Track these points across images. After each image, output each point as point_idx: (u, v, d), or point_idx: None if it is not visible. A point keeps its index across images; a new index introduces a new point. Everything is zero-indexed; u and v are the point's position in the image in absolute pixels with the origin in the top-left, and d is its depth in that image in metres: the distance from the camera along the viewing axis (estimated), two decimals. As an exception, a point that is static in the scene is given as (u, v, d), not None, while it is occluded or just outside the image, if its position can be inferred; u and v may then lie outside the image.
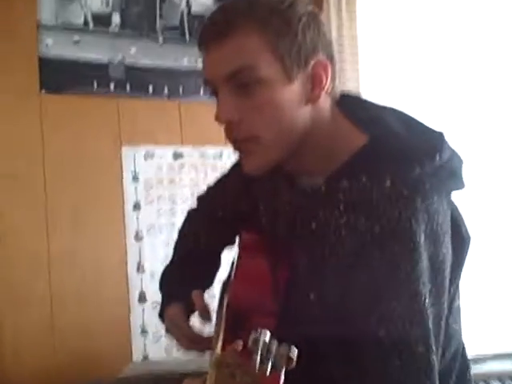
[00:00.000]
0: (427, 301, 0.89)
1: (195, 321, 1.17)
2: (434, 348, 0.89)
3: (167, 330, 1.24)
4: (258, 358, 0.69)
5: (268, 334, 0.72)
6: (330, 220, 0.97)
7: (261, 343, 0.70)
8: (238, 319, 1.04)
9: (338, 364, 0.95)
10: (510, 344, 2.51)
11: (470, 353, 1.11)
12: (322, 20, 1.00)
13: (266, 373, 0.68)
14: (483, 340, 2.47)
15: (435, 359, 0.89)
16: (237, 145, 1.00)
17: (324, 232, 0.98)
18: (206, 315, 1.14)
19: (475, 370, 2.20)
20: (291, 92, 0.95)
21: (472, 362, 1.14)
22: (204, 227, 1.34)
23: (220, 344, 0.83)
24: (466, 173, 1.02)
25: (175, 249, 1.39)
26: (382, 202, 0.93)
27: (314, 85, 0.97)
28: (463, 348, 1.10)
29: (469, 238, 1.02)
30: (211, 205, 1.34)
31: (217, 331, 0.91)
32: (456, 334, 1.04)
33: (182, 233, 1.40)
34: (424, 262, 0.90)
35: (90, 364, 2.27)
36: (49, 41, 2.34)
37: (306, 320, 0.99)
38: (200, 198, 1.40)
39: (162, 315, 1.26)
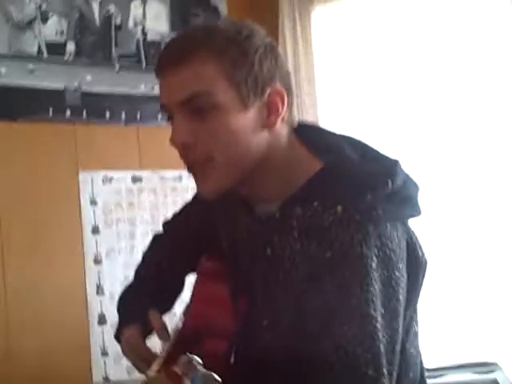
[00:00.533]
0: (379, 324, 0.91)
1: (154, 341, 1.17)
2: (385, 371, 0.90)
3: (123, 352, 1.23)
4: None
5: (199, 359, 0.74)
6: (284, 246, 1.00)
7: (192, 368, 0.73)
8: (190, 340, 1.06)
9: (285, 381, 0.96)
10: (471, 355, 2.53)
11: (431, 364, 1.12)
12: (279, 52, 1.05)
13: None
14: (443, 351, 2.49)
15: (386, 383, 0.90)
16: (192, 169, 1.02)
17: (278, 258, 1.00)
18: (164, 334, 1.14)
19: (436, 381, 2.22)
20: (246, 119, 0.99)
21: (433, 372, 1.13)
22: (168, 252, 1.35)
23: (156, 366, 0.84)
24: (424, 199, 1.05)
25: (136, 272, 1.39)
26: (333, 227, 0.95)
27: (270, 112, 1.01)
28: (422, 375, 1.10)
29: (425, 263, 1.04)
30: (176, 230, 1.36)
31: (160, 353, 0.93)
32: (413, 358, 1.05)
33: (146, 257, 1.40)
34: (376, 287, 0.92)
35: (49, 386, 2.27)
36: (2, 69, 2.39)
37: (260, 344, 1.01)
38: (165, 224, 1.41)
39: (118, 336, 1.25)
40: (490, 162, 2.62)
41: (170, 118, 1.03)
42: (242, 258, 1.08)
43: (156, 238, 1.42)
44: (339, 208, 0.96)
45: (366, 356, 0.89)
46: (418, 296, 1.04)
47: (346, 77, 2.89)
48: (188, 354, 0.80)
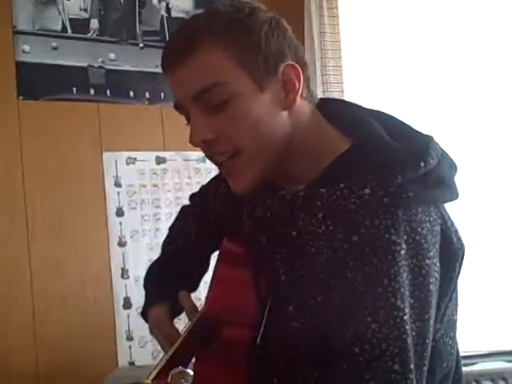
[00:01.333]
0: (407, 317, 0.85)
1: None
2: (412, 367, 0.85)
3: (151, 331, 1.20)
4: None
5: (191, 373, 0.72)
6: (308, 229, 0.94)
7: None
8: (210, 329, 1.02)
9: (312, 378, 0.91)
10: (502, 342, 2.49)
11: (461, 351, 1.08)
12: (286, 25, 0.98)
13: None
14: (475, 338, 2.45)
15: (413, 379, 0.84)
16: (221, 166, 0.98)
17: (303, 241, 0.95)
18: (195, 315, 1.12)
19: (467, 369, 2.18)
20: (264, 101, 0.94)
21: (463, 360, 1.10)
22: (195, 226, 1.31)
23: (153, 375, 0.81)
24: (461, 181, 0.98)
25: (163, 245, 1.35)
26: (360, 211, 0.90)
27: (287, 90, 0.96)
28: (457, 365, 1.05)
29: (461, 250, 0.97)
30: (203, 205, 1.32)
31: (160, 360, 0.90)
32: (448, 348, 0.99)
33: (173, 229, 1.37)
34: (405, 276, 0.86)
35: (74, 371, 2.24)
36: (25, 47, 2.33)
37: (285, 333, 0.95)
38: (193, 196, 1.37)
39: (144, 314, 1.22)
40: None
41: (187, 118, 0.97)
42: (265, 240, 1.02)
43: (183, 211, 1.38)
44: (367, 190, 0.89)
45: (392, 350, 0.84)
46: (455, 285, 0.97)
47: (372, 51, 2.80)
48: (181, 367, 0.79)
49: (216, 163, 0.98)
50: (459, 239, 0.97)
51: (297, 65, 0.96)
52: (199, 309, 1.12)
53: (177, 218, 1.38)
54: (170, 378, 0.74)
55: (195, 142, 0.94)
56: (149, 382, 0.77)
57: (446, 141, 1.03)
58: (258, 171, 0.97)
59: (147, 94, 2.60)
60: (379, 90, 2.73)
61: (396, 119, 1.05)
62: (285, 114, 0.96)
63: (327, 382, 0.88)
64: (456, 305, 1.01)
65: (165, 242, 1.36)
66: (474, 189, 2.51)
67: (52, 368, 2.25)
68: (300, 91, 0.96)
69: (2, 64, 2.28)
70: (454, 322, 1.00)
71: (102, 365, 2.30)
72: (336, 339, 0.87)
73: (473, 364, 2.22)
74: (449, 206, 0.99)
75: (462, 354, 1.07)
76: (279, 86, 0.95)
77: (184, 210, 1.38)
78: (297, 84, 0.96)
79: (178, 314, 1.18)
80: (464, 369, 1.13)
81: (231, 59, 0.92)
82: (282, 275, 0.97)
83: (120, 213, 2.52)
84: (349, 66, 2.84)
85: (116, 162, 2.52)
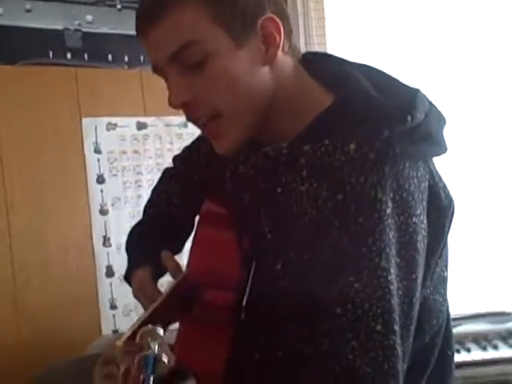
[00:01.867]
0: (391, 277, 0.83)
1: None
2: (396, 328, 0.83)
3: (134, 295, 1.18)
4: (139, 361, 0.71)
5: (161, 333, 0.73)
6: (292, 186, 0.92)
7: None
8: (192, 293, 1.00)
9: (300, 337, 0.91)
10: (485, 304, 2.51)
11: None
12: None
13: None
14: (458, 301, 2.47)
15: (396, 339, 0.83)
16: (202, 129, 0.96)
17: (287, 199, 0.93)
18: (178, 275, 1.10)
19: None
20: (244, 58, 0.90)
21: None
22: (178, 188, 1.30)
23: (126, 337, 0.80)
24: (449, 134, 0.95)
25: (145, 208, 1.34)
26: (345, 168, 0.87)
27: (268, 45, 0.92)
28: (448, 323, 1.05)
29: (450, 206, 0.95)
30: (186, 167, 1.30)
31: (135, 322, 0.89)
32: (438, 305, 0.98)
33: (155, 192, 1.35)
34: (391, 235, 0.84)
35: (58, 340, 2.23)
36: (-2, 10, 2.25)
37: (273, 292, 0.94)
38: (176, 158, 1.35)
39: (128, 278, 1.20)
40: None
41: (165, 80, 0.94)
42: (249, 198, 1.00)
43: (166, 173, 1.36)
44: (352, 146, 0.87)
45: (375, 310, 0.82)
46: (445, 241, 0.96)
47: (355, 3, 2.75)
48: (152, 326, 0.78)
49: (198, 126, 0.96)
50: (448, 195, 0.96)
51: (276, 17, 0.92)
52: (183, 269, 1.11)
53: (159, 181, 1.36)
54: (138, 338, 0.74)
55: (174, 103, 0.92)
56: (120, 343, 0.76)
57: (434, 94, 1.01)
58: (240, 131, 0.95)
59: (126, 58, 2.54)
60: (363, 43, 2.68)
61: (382, 73, 1.02)
62: (266, 69, 0.93)
63: (313, 341, 0.87)
64: (446, 261, 1.00)
65: (147, 204, 1.34)
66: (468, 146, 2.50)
67: (35, 337, 2.23)
68: (281, 45, 0.93)
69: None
70: (444, 278, 1.00)
71: (86, 333, 2.29)
72: (320, 298, 0.86)
73: (457, 326, 2.23)
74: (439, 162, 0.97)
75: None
76: (259, 40, 0.92)
77: (166, 172, 1.36)
78: (277, 37, 0.92)
79: (162, 275, 1.17)
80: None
81: (207, 16, 0.88)
82: (267, 233, 0.96)
83: (101, 180, 2.47)
84: (332, 18, 2.79)
85: (96, 127, 2.47)
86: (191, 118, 0.95)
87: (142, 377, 0.70)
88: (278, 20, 0.92)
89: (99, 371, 0.80)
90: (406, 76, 1.03)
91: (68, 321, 2.31)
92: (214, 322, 0.98)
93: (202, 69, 0.89)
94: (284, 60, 0.95)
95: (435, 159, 0.98)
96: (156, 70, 0.95)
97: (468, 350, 2.10)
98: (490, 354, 2.20)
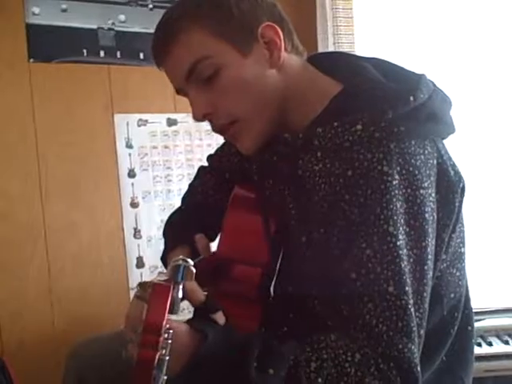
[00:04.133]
0: (400, 242, 0.90)
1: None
2: (408, 289, 0.90)
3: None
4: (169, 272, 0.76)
5: (190, 261, 0.77)
6: (308, 167, 1.00)
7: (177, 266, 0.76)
8: (222, 267, 1.07)
9: (322, 304, 0.98)
10: (508, 299, 2.50)
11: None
12: None
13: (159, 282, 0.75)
14: (481, 295, 2.47)
15: (408, 300, 0.89)
16: (225, 135, 1.06)
17: (305, 179, 1.00)
18: (208, 254, 1.17)
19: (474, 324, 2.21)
20: (250, 65, 1.00)
21: None
22: (213, 184, 1.38)
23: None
24: (456, 115, 1.02)
25: (183, 198, 1.43)
26: (354, 147, 0.95)
27: (271, 50, 1.01)
28: (467, 300, 1.10)
29: (460, 181, 1.01)
30: (219, 165, 1.39)
31: None
32: (455, 279, 1.04)
33: (192, 185, 1.44)
34: (398, 205, 0.91)
35: (88, 326, 2.30)
36: (35, 9, 2.34)
37: (299, 264, 1.02)
38: (209, 158, 1.44)
39: (164, 260, 1.28)
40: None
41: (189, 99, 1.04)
42: (272, 182, 1.09)
43: (201, 170, 1.45)
44: (359, 127, 0.95)
45: (386, 274, 0.89)
46: (458, 216, 1.01)
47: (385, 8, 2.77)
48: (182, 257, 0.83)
49: (220, 133, 1.06)
50: (457, 172, 1.02)
51: (273, 24, 1.01)
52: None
53: (195, 177, 1.45)
54: (169, 269, 0.78)
55: (197, 117, 1.03)
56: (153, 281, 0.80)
57: (465, 92, 1.07)
58: (259, 131, 1.04)
59: (158, 56, 2.60)
60: (391, 42, 2.70)
61: (389, 62, 1.10)
62: (273, 71, 1.02)
63: (335, 312, 0.94)
64: (463, 237, 1.06)
65: (184, 195, 1.43)
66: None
67: (67, 323, 2.32)
68: (283, 47, 1.02)
69: (13, 27, 2.29)
70: (461, 254, 1.06)
71: (117, 322, 2.34)
72: (338, 267, 0.93)
73: (479, 320, 2.25)
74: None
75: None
76: (262, 47, 1.01)
77: (202, 169, 1.45)
78: (278, 42, 1.01)
79: (198, 256, 1.22)
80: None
81: (209, 33, 0.98)
82: (292, 209, 1.04)
83: (132, 174, 2.55)
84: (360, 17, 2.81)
85: (127, 123, 2.54)
86: (215, 129, 1.05)
87: (172, 282, 0.74)
88: (276, 25, 1.01)
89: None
90: (434, 74, 1.08)
91: (99, 309, 2.38)
92: (243, 296, 1.04)
93: (215, 81, 0.99)
94: (290, 59, 1.04)
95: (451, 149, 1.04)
96: (179, 91, 1.06)
97: (490, 344, 2.11)
98: (512, 347, 2.20)
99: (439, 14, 2.70)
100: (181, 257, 0.80)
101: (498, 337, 2.22)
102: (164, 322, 0.72)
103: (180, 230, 1.29)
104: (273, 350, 0.88)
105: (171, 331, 0.75)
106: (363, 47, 2.74)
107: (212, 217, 1.31)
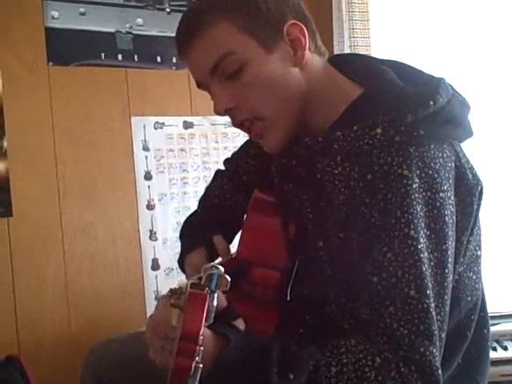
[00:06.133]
0: (421, 245, 0.90)
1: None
2: (429, 293, 0.90)
3: (187, 277, 1.25)
4: (203, 281, 0.75)
5: (221, 268, 0.76)
6: (327, 170, 1.00)
7: (212, 275, 0.74)
8: (241, 270, 1.08)
9: (338, 308, 0.98)
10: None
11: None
12: None
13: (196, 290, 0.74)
14: (497, 299, 2.46)
15: (430, 303, 0.90)
16: (248, 130, 1.05)
17: (324, 183, 1.01)
18: (227, 256, 1.19)
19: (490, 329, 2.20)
20: (274, 62, 1.00)
21: None
22: (230, 187, 1.38)
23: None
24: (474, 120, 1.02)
25: (200, 201, 1.43)
26: (374, 150, 0.95)
27: (295, 48, 1.01)
28: (483, 304, 1.10)
29: (478, 184, 1.01)
30: (236, 168, 1.39)
31: None
32: (472, 282, 1.04)
33: (209, 188, 1.44)
34: (418, 208, 0.91)
35: (105, 328, 2.31)
36: (54, 13, 2.36)
37: (316, 268, 1.03)
38: (226, 161, 1.45)
39: (181, 263, 1.28)
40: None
41: (209, 93, 1.05)
42: (291, 186, 1.09)
43: (218, 173, 1.45)
44: (379, 130, 0.95)
45: (408, 277, 0.89)
46: (474, 220, 1.01)
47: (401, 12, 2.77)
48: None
49: (243, 129, 1.05)
50: (475, 175, 1.02)
51: (299, 22, 1.01)
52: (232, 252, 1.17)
53: (212, 180, 1.45)
54: (202, 272, 0.77)
55: (219, 111, 1.02)
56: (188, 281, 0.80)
57: (481, 92, 1.07)
58: (283, 129, 1.03)
59: (174, 59, 2.61)
60: (407, 44, 2.70)
61: (408, 65, 1.10)
62: (297, 70, 1.02)
63: (353, 316, 0.94)
64: (479, 241, 1.06)
65: (201, 199, 1.43)
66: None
67: (83, 324, 2.34)
68: (307, 46, 1.02)
69: (32, 31, 2.32)
70: (478, 257, 1.05)
71: (132, 323, 2.36)
72: (358, 271, 0.93)
73: (495, 325, 2.23)
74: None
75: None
76: (286, 45, 1.01)
77: (219, 172, 1.45)
78: (303, 40, 1.01)
79: (216, 258, 1.24)
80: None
81: (235, 29, 0.98)
82: (309, 214, 1.04)
83: (148, 176, 2.56)
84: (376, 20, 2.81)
85: (144, 126, 2.56)
86: (236, 123, 1.05)
87: (207, 290, 0.74)
88: (301, 24, 1.01)
89: (165, 301, 0.84)
90: (451, 76, 1.08)
91: (115, 310, 2.40)
92: (261, 299, 1.05)
93: (239, 77, 0.99)
94: (312, 59, 1.04)
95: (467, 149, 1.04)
96: (200, 85, 1.05)
97: (505, 348, 2.10)
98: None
99: (454, 17, 2.69)
100: (212, 264, 0.79)
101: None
102: (201, 332, 0.72)
103: (197, 232, 1.29)
104: (293, 354, 0.88)
105: (201, 337, 0.75)
106: (379, 50, 2.74)
107: (229, 219, 1.32)
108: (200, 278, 0.78)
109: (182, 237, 1.34)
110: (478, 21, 2.67)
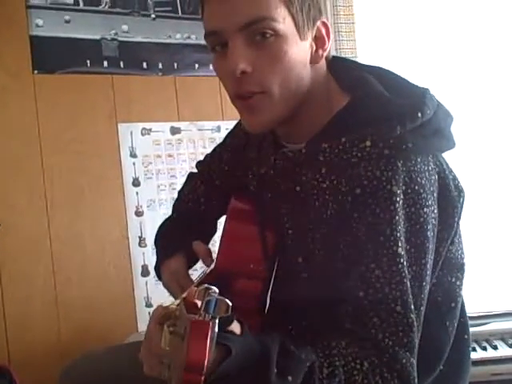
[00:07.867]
0: (405, 261, 0.91)
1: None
2: (412, 307, 0.91)
3: (164, 284, 1.24)
4: (202, 307, 0.71)
5: (216, 289, 0.74)
6: (312, 184, 0.99)
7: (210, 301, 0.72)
8: (222, 282, 1.07)
9: (321, 322, 0.97)
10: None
11: (474, 311, 1.11)
12: None
13: (196, 318, 0.70)
14: (486, 298, 2.47)
15: (414, 318, 0.91)
16: (243, 101, 0.99)
17: (307, 196, 0.99)
18: (209, 261, 1.17)
19: (478, 328, 2.21)
20: (301, 51, 0.97)
21: (475, 320, 1.13)
22: (203, 191, 1.37)
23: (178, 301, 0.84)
24: (456, 131, 1.01)
25: (174, 206, 1.41)
26: (362, 163, 0.93)
27: (318, 46, 1.00)
28: (463, 309, 1.10)
29: (460, 195, 1.01)
30: (209, 171, 1.37)
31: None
32: (455, 288, 1.05)
33: (183, 192, 1.42)
34: (403, 224, 0.91)
35: (94, 336, 2.31)
36: (39, 21, 2.35)
37: (295, 282, 1.02)
38: (199, 164, 1.42)
39: (158, 270, 1.27)
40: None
41: (219, 45, 0.97)
42: (270, 196, 1.07)
43: (190, 176, 1.43)
44: (368, 143, 0.93)
45: (394, 293, 0.90)
46: (456, 229, 1.02)
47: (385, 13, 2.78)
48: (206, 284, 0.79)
49: (239, 96, 0.99)
50: (457, 186, 1.01)
51: (328, 23, 1.00)
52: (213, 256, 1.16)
53: (185, 183, 1.43)
54: (196, 294, 0.74)
55: (233, 70, 0.94)
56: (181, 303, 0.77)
57: (465, 96, 1.06)
58: (277, 112, 0.99)
59: (160, 65, 2.62)
60: (392, 48, 2.71)
61: (393, 74, 1.08)
62: (309, 67, 0.99)
63: (334, 325, 0.94)
64: (461, 248, 1.06)
65: (175, 203, 1.41)
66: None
67: (73, 333, 2.33)
68: (328, 49, 1.01)
69: (16, 39, 2.31)
70: (462, 265, 1.06)
71: (122, 330, 2.36)
72: (341, 286, 0.93)
73: (484, 324, 2.24)
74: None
75: (474, 315, 1.11)
76: (312, 39, 0.99)
77: (192, 175, 1.43)
78: (327, 42, 1.00)
79: (192, 265, 1.23)
80: (475, 329, 1.16)
81: (283, 2, 0.93)
82: (288, 229, 1.03)
83: (136, 183, 2.56)
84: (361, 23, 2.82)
85: (131, 132, 2.55)
86: (239, 92, 0.98)
87: (207, 317, 0.70)
88: (330, 26, 1.00)
89: (158, 327, 0.79)
90: (435, 80, 1.08)
91: (105, 318, 2.39)
92: (244, 309, 1.04)
93: (265, 46, 0.94)
94: (322, 63, 1.03)
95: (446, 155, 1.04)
96: (215, 34, 0.96)
97: (495, 348, 2.11)
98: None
99: (440, 20, 2.70)
100: (205, 286, 0.75)
101: (503, 340, 2.21)
102: (206, 361, 0.71)
103: (174, 238, 1.27)
104: (291, 356, 0.87)
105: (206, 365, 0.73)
106: (365, 53, 2.75)
107: (204, 224, 1.31)
108: (185, 298, 0.76)
109: (156, 243, 1.32)
110: (463, 24, 2.69)
